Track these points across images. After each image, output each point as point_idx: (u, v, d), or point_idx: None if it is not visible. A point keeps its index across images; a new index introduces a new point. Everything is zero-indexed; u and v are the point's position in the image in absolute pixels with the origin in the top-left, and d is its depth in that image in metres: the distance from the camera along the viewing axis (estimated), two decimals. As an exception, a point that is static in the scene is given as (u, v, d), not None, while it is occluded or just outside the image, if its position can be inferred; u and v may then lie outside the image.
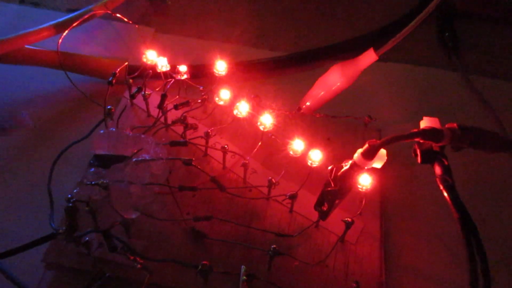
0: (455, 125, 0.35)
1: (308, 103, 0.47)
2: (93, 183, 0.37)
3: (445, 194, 0.31)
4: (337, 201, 0.39)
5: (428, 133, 0.33)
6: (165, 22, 0.65)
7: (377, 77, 0.59)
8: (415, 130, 0.33)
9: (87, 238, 0.37)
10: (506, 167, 0.51)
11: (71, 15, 0.53)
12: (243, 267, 0.37)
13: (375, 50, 0.44)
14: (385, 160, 0.35)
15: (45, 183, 0.42)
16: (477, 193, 0.48)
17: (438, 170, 0.33)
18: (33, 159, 0.47)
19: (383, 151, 0.34)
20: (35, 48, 0.51)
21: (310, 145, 0.42)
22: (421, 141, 0.34)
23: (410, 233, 0.45)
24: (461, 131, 0.34)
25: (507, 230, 0.45)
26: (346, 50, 0.61)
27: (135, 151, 0.38)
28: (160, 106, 0.44)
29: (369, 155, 0.34)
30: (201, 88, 0.48)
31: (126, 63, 0.48)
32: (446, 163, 0.34)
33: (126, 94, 0.50)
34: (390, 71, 0.61)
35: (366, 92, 0.57)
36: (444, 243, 0.44)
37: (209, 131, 0.44)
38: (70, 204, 0.36)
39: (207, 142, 0.45)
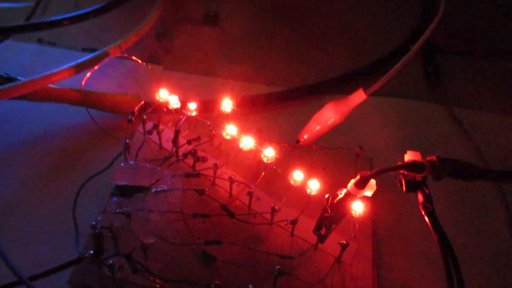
0: (434, 157, 0.40)
1: (305, 136, 0.52)
2: (117, 211, 0.41)
3: (426, 219, 0.36)
4: (333, 226, 0.43)
5: (411, 166, 0.38)
6: (173, 60, 0.71)
7: (367, 111, 0.64)
8: (400, 163, 0.38)
9: (111, 261, 0.41)
10: (483, 193, 0.56)
11: (88, 56, 0.59)
12: (250, 286, 0.42)
13: (364, 89, 0.49)
14: (375, 189, 0.40)
15: (67, 211, 0.47)
16: (456, 216, 0.53)
17: (420, 197, 0.38)
18: (57, 188, 0.52)
19: (373, 181, 0.39)
20: (57, 87, 0.56)
21: (308, 175, 0.47)
22: (405, 172, 0.39)
23: (400, 253, 0.49)
24: (440, 163, 0.39)
25: (484, 249, 0.50)
26: (339, 85, 0.67)
27: (154, 182, 0.43)
28: (174, 140, 0.48)
29: (361, 184, 0.39)
30: (208, 122, 0.53)
31: (143, 102, 0.53)
32: (427, 191, 0.38)
33: (140, 129, 0.55)
34: (379, 105, 0.66)
35: (358, 124, 0.62)
36: (431, 261, 0.48)
37: (217, 162, 0.49)
38: (97, 230, 0.40)
39: (215, 173, 0.50)
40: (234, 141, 0.51)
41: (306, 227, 0.47)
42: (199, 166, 0.51)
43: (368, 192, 0.40)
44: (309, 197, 0.46)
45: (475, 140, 0.62)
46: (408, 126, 0.64)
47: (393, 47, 0.74)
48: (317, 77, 0.69)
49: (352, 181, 0.39)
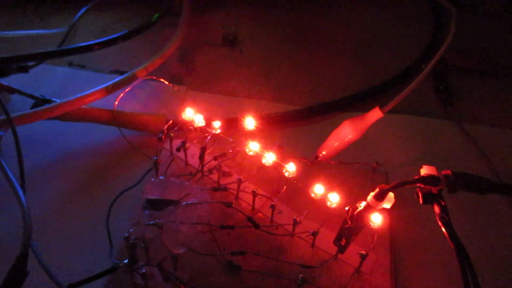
0: (449, 171, 0.42)
1: (324, 152, 0.55)
2: (150, 223, 0.44)
3: (443, 229, 0.38)
4: (353, 237, 0.46)
5: (427, 179, 0.41)
6: (195, 81, 0.74)
7: (382, 127, 0.66)
8: (416, 177, 0.41)
9: (144, 270, 0.44)
10: (496, 205, 0.58)
11: (118, 78, 0.62)
12: (274, 295, 0.44)
13: (380, 107, 0.52)
14: (393, 202, 0.42)
15: (100, 224, 0.50)
16: (472, 227, 0.55)
17: (436, 209, 0.41)
18: (90, 202, 0.55)
19: (391, 194, 0.42)
20: (89, 107, 0.60)
21: (328, 189, 0.50)
22: (421, 185, 0.41)
23: (418, 264, 0.51)
24: (454, 177, 0.42)
25: (498, 257, 0.52)
26: (354, 103, 0.70)
27: (183, 195, 0.46)
28: (201, 157, 0.52)
29: (380, 197, 0.41)
30: (231, 140, 0.56)
31: (171, 121, 0.56)
32: (443, 203, 0.41)
33: (167, 146, 0.58)
34: (393, 122, 0.68)
35: (373, 141, 0.64)
36: (447, 272, 0.50)
37: (241, 177, 0.52)
38: (131, 241, 0.43)
39: (239, 187, 0.53)
40: (255, 157, 0.54)
41: (326, 238, 0.49)
42: (223, 181, 0.54)
43: (387, 205, 0.42)
44: (329, 209, 0.49)
45: (488, 156, 0.63)
46: (421, 142, 0.66)
47: (406, 65, 0.77)
48: (333, 95, 0.71)
49: (372, 194, 0.42)
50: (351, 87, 0.73)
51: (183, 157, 0.57)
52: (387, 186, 0.41)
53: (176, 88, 0.70)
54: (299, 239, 0.51)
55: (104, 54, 0.77)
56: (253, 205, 0.53)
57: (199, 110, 0.57)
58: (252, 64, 0.79)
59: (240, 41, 0.83)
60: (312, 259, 0.49)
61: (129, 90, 0.69)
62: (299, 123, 0.67)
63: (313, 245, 0.50)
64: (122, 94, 0.56)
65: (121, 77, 0.62)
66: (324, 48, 0.84)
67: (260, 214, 0.53)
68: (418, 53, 0.80)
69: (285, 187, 0.52)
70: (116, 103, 0.56)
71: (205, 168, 0.55)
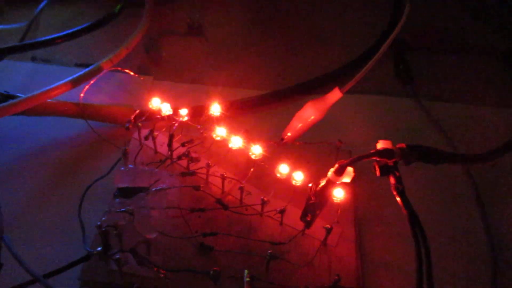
0: (403, 144, 0.45)
1: (289, 134, 0.57)
2: (121, 210, 0.45)
3: (397, 198, 0.41)
4: (317, 212, 0.48)
5: (382, 153, 0.43)
6: (161, 71, 0.75)
7: (345, 108, 0.68)
8: (372, 151, 0.43)
9: (118, 256, 0.45)
10: (454, 178, 0.61)
11: (83, 71, 0.62)
12: (245, 271, 0.46)
13: (340, 88, 0.54)
14: (352, 176, 0.44)
15: (73, 214, 0.50)
16: (429, 200, 0.58)
17: (392, 180, 0.43)
18: (62, 194, 0.55)
19: (350, 169, 0.44)
20: (55, 101, 0.60)
21: (294, 168, 0.52)
22: (377, 159, 0.44)
23: (381, 235, 0.53)
24: (408, 149, 0.44)
25: (455, 228, 0.55)
26: (317, 86, 0.72)
27: (153, 182, 0.47)
28: (170, 144, 0.53)
29: (339, 172, 0.43)
30: (199, 127, 0.57)
31: (138, 111, 0.57)
32: (398, 174, 0.43)
33: (136, 136, 0.59)
34: (355, 102, 0.70)
35: (337, 121, 0.66)
36: (407, 241, 0.52)
37: (209, 162, 0.53)
38: (104, 229, 0.44)
39: (208, 172, 0.54)
40: (223, 142, 0.56)
41: (294, 215, 0.52)
42: (193, 167, 0.56)
43: (347, 179, 0.45)
44: (294, 187, 0.51)
45: (446, 130, 0.66)
46: (383, 120, 0.69)
47: (365, 49, 0.79)
48: (299, 79, 0.73)
49: (332, 169, 0.44)
50: (316, 71, 0.75)
51: (153, 146, 0.58)
52: (345, 161, 0.43)
53: (142, 78, 0.71)
54: (268, 218, 0.53)
55: (68, 48, 0.76)
56: (222, 188, 0.54)
57: (167, 99, 0.58)
58: (219, 51, 0.80)
59: (206, 29, 0.84)
60: (281, 236, 0.51)
61: (95, 82, 0.69)
62: (265, 107, 0.69)
63: (281, 223, 0.52)
64: (87, 87, 0.57)
65: (86, 69, 0.62)
66: (290, 34, 0.86)
67: (230, 197, 0.55)
68: (378, 36, 0.82)
69: (252, 169, 0.54)
70: (82, 95, 0.56)
71: (174, 155, 0.56)
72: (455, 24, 0.88)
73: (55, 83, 0.59)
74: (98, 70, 0.62)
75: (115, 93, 0.69)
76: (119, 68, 0.62)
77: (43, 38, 0.67)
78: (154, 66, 0.76)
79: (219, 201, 0.49)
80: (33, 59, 0.75)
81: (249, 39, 0.83)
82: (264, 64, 0.78)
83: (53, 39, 0.68)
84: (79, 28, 0.70)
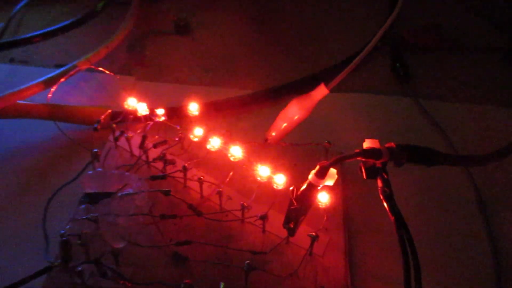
0: (393, 144, 0.41)
1: (273, 134, 0.53)
2: (83, 217, 0.41)
3: (384, 203, 0.37)
4: (301, 218, 0.44)
5: (368, 153, 0.39)
6: (145, 71, 0.72)
7: (337, 107, 0.66)
8: (357, 150, 0.39)
9: (80, 268, 0.41)
10: (453, 180, 0.57)
11: (57, 71, 0.60)
12: (221, 284, 0.42)
13: (326, 84, 0.50)
14: (335, 178, 0.40)
15: (39, 222, 0.47)
16: (420, 202, 0.54)
17: (379, 183, 0.39)
18: (28, 201, 0.52)
19: (333, 170, 0.40)
20: (26, 102, 0.57)
21: (276, 171, 0.48)
22: (363, 159, 0.40)
23: (373, 243, 0.49)
24: (398, 149, 0.40)
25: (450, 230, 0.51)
26: (303, 86, 0.67)
27: (120, 186, 0.43)
28: (141, 146, 0.49)
29: (321, 174, 0.39)
30: (178, 127, 0.54)
31: (110, 111, 0.54)
32: (386, 177, 0.39)
33: (111, 138, 0.55)
34: (349, 101, 0.67)
35: (329, 122, 0.63)
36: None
37: (186, 165, 0.50)
38: (64, 238, 0.41)
39: (185, 175, 0.50)
40: (203, 143, 0.52)
41: (278, 222, 0.47)
42: (170, 170, 0.52)
43: (329, 182, 0.41)
44: (276, 191, 0.47)
45: (446, 131, 0.63)
46: (378, 121, 0.65)
47: (359, 48, 0.75)
48: (287, 80, 0.69)
49: (313, 171, 0.40)
50: (308, 71, 0.71)
51: (128, 148, 0.54)
52: (327, 162, 0.39)
53: (120, 78, 0.67)
54: (250, 225, 0.49)
55: (48, 48, 0.74)
56: (201, 193, 0.51)
57: (149, 101, 0.54)
58: (206, 51, 0.77)
59: (193, 28, 0.81)
60: (263, 244, 0.47)
61: (74, 83, 0.66)
62: (249, 108, 0.65)
63: (264, 230, 0.48)
64: (55, 87, 0.53)
65: (61, 69, 0.59)
66: (280, 33, 0.82)
67: (209, 202, 0.51)
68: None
69: (231, 173, 0.50)
70: (49, 95, 0.53)
71: (151, 158, 0.52)
72: (455, 20, 0.84)
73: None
74: (74, 71, 0.59)
75: (94, 94, 0.66)
76: (93, 67, 0.58)
77: (20, 37, 0.65)
78: (136, 66, 0.72)
79: (191, 207, 0.45)
80: (11, 60, 0.72)
81: (237, 39, 0.80)
82: (253, 64, 0.75)
83: (31, 37, 0.65)
84: (58, 26, 0.67)
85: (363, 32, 0.79)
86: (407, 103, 0.68)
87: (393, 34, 0.77)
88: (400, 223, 0.35)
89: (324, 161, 0.40)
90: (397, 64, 0.73)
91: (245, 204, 0.47)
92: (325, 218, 0.46)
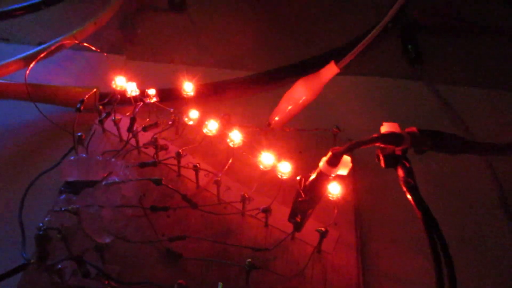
0: (414, 129, 0.36)
1: (277, 118, 0.48)
2: (63, 209, 0.36)
3: (408, 195, 0.32)
4: (309, 211, 0.39)
5: (388, 138, 0.34)
6: (136, 49, 0.66)
7: (346, 90, 0.61)
8: (375, 135, 0.34)
9: (60, 266, 0.36)
10: (470, 167, 0.52)
11: (39, 47, 0.54)
12: (220, 284, 0.37)
13: (336, 62, 0.45)
14: (350, 166, 0.36)
15: (15, 213, 0.42)
16: (442, 192, 0.49)
17: (401, 173, 0.34)
18: (3, 191, 0.47)
19: (347, 158, 0.35)
20: (3, 81, 0.51)
21: (280, 158, 0.43)
22: (382, 145, 0.35)
23: (387, 240, 0.45)
24: (421, 134, 0.35)
25: (470, 228, 0.47)
26: (311, 67, 0.62)
27: (105, 175, 0.38)
28: (130, 129, 0.44)
29: (334, 162, 0.35)
30: (171, 110, 0.49)
31: (95, 90, 0.48)
32: (408, 165, 0.34)
33: (97, 121, 0.50)
34: (358, 84, 0.63)
35: (337, 106, 0.58)
36: (420, 247, 0.44)
37: (180, 151, 0.45)
38: (41, 232, 0.36)
39: (179, 162, 0.45)
40: (200, 128, 0.47)
41: (282, 215, 0.43)
42: (163, 156, 0.47)
43: (343, 171, 0.36)
44: (281, 181, 0.42)
45: (461, 116, 0.58)
46: (389, 105, 0.61)
47: (369, 27, 0.70)
48: (291, 60, 0.65)
49: (324, 158, 0.35)
50: (312, 52, 0.66)
51: (116, 132, 0.49)
52: (340, 148, 0.34)
53: (110, 56, 0.62)
54: (251, 218, 0.44)
55: (31, 25, 0.68)
56: (197, 182, 0.46)
57: (140, 81, 0.49)
58: (202, 29, 0.72)
59: (188, 4, 0.75)
60: (266, 240, 0.43)
61: (58, 62, 0.61)
62: (251, 90, 0.60)
63: (266, 224, 0.44)
64: (33, 64, 0.47)
65: (43, 46, 0.54)
66: (283, 9, 0.78)
67: (206, 192, 0.46)
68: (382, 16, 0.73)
69: (230, 160, 0.45)
70: (27, 72, 0.47)
71: (141, 142, 0.47)
72: (468, 2, 0.79)
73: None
74: (55, 46, 0.53)
75: (81, 75, 0.61)
76: (80, 43, 0.53)
77: (1, 9, 0.59)
78: (128, 45, 0.67)
79: (185, 198, 0.40)
80: (-8, 37, 0.66)
81: (237, 16, 0.75)
82: (254, 43, 0.70)
83: (12, 10, 0.59)
84: (40, -1, 0.61)
85: (373, 11, 0.75)
86: (419, 87, 0.64)
87: (404, 14, 0.72)
88: (429, 219, 0.30)
89: (337, 147, 0.35)
90: (409, 46, 0.69)
91: (246, 195, 0.42)
92: (335, 211, 0.41)
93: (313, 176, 0.36)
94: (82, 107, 0.44)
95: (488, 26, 0.74)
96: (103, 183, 0.37)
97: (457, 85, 0.64)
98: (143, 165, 0.41)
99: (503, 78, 0.66)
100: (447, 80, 0.65)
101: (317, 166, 0.38)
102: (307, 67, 0.63)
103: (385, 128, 0.36)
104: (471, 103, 0.61)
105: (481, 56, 0.69)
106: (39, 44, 0.65)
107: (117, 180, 0.38)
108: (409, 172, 0.34)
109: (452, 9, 0.77)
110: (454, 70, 0.67)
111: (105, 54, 0.50)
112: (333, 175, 0.36)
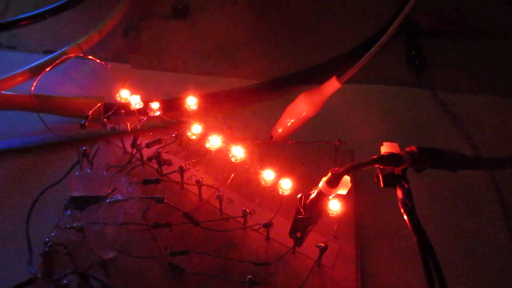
0: (414, 148, 0.36)
1: (279, 131, 0.48)
2: (68, 226, 0.37)
3: (405, 217, 0.33)
4: (310, 227, 0.40)
5: (387, 159, 0.34)
6: (141, 58, 0.67)
7: (348, 100, 0.61)
8: (375, 156, 0.35)
9: (65, 281, 0.37)
10: (474, 185, 0.52)
11: (45, 58, 0.55)
12: (221, 299, 0.38)
13: (338, 77, 0.45)
14: (349, 187, 0.36)
15: (23, 229, 0.43)
16: (445, 213, 0.49)
17: (399, 193, 0.35)
18: (8, 206, 0.48)
19: (346, 178, 0.36)
20: (8, 93, 0.52)
21: (284, 172, 0.43)
22: (381, 166, 0.35)
23: (387, 254, 0.45)
24: (420, 154, 0.36)
25: (477, 248, 0.46)
26: (314, 76, 0.62)
27: (109, 192, 0.39)
28: (134, 144, 0.45)
29: (333, 183, 0.35)
30: (175, 122, 0.49)
31: (99, 104, 0.49)
32: (406, 186, 0.35)
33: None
34: (360, 93, 0.62)
35: (339, 116, 0.58)
36: (418, 260, 0.44)
37: (183, 165, 0.45)
38: (47, 249, 0.37)
39: (182, 177, 0.46)
40: (202, 142, 0.47)
41: (283, 229, 0.43)
42: (167, 170, 0.47)
43: (342, 191, 0.36)
44: (282, 197, 0.42)
45: (465, 125, 0.58)
46: (393, 114, 0.60)
47: (369, 35, 0.70)
48: (295, 68, 0.65)
49: (324, 179, 0.36)
50: (314, 60, 0.66)
51: (121, 144, 0.50)
52: (340, 169, 0.34)
53: (115, 65, 0.62)
54: (253, 232, 0.45)
55: (37, 33, 0.69)
56: (200, 196, 0.46)
57: (145, 91, 0.50)
58: (206, 37, 0.72)
59: (192, 12, 0.75)
60: (267, 254, 0.43)
61: (64, 72, 0.62)
62: (253, 100, 0.61)
63: (268, 238, 0.44)
64: (38, 78, 0.48)
65: (48, 56, 0.55)
66: (286, 18, 0.77)
67: (208, 206, 0.47)
68: (383, 23, 0.73)
69: (232, 175, 0.45)
70: (34, 83, 0.48)
71: (145, 156, 0.48)
72: (475, 3, 0.78)
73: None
74: (61, 59, 0.54)
75: (86, 84, 0.61)
76: (84, 56, 0.53)
77: (7, 20, 0.59)
78: (132, 53, 0.67)
79: (186, 215, 0.41)
80: (-2, 45, 0.67)
81: (240, 24, 0.75)
82: (257, 52, 0.70)
83: (18, 20, 0.60)
84: (47, 8, 0.62)
85: (376, 18, 0.74)
86: (423, 95, 0.63)
87: (408, 19, 0.71)
88: (424, 243, 0.30)
89: (337, 168, 0.35)
90: (413, 53, 0.68)
91: (248, 210, 0.43)
92: (335, 226, 0.42)
93: (313, 195, 0.37)
94: (87, 123, 0.45)
95: (495, 30, 0.73)
96: (107, 201, 0.38)
97: (462, 92, 0.63)
98: (146, 182, 0.41)
99: (508, 85, 0.65)
100: (452, 87, 0.64)
101: (318, 178, 0.39)
102: (310, 76, 0.63)
103: (385, 148, 0.36)
104: (476, 111, 0.60)
105: (486, 61, 0.68)
106: (46, 51, 0.67)
107: (120, 198, 0.38)
108: (407, 194, 0.34)
109: (458, 13, 0.76)
110: (459, 77, 0.66)
111: (109, 65, 0.51)
112: (332, 195, 0.36)
